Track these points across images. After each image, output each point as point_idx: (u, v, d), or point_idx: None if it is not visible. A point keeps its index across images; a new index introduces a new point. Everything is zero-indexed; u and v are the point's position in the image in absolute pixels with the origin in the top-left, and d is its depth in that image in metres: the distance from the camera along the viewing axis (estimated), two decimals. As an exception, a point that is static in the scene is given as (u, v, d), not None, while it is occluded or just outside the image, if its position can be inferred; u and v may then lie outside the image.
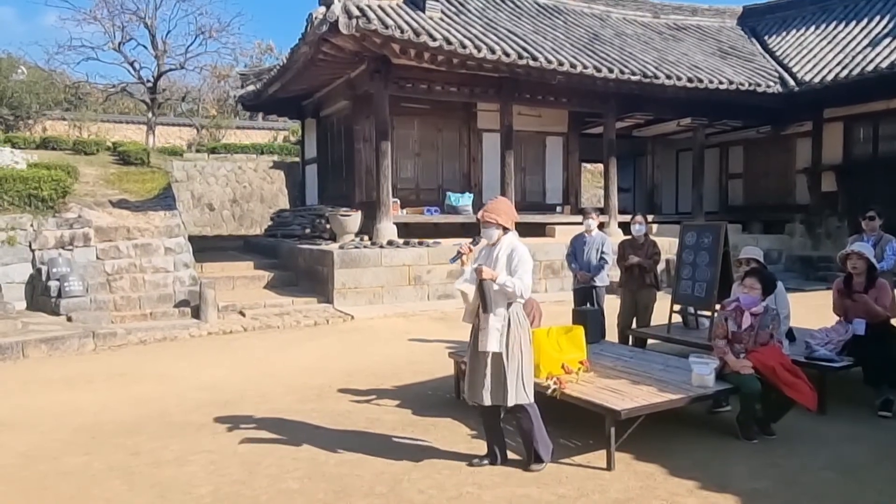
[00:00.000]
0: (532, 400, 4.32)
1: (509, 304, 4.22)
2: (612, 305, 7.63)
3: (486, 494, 4.00)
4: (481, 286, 4.11)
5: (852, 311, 5.77)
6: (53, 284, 9.60)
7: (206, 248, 14.21)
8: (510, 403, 4.23)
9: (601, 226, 10.88)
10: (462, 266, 4.28)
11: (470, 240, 4.40)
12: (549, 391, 4.76)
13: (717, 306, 6.24)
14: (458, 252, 4.27)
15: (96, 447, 4.95)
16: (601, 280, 7.58)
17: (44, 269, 9.92)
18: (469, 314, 4.38)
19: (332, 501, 3.96)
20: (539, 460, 4.35)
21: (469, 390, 4.39)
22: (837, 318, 6.00)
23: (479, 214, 4.36)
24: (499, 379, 4.23)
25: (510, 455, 4.53)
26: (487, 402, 4.26)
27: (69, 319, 9.20)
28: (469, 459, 4.49)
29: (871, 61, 13.50)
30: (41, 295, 9.86)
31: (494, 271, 4.12)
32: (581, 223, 7.87)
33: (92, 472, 4.50)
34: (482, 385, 4.25)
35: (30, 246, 10.36)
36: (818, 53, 15.38)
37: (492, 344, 4.17)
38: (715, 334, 5.26)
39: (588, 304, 7.33)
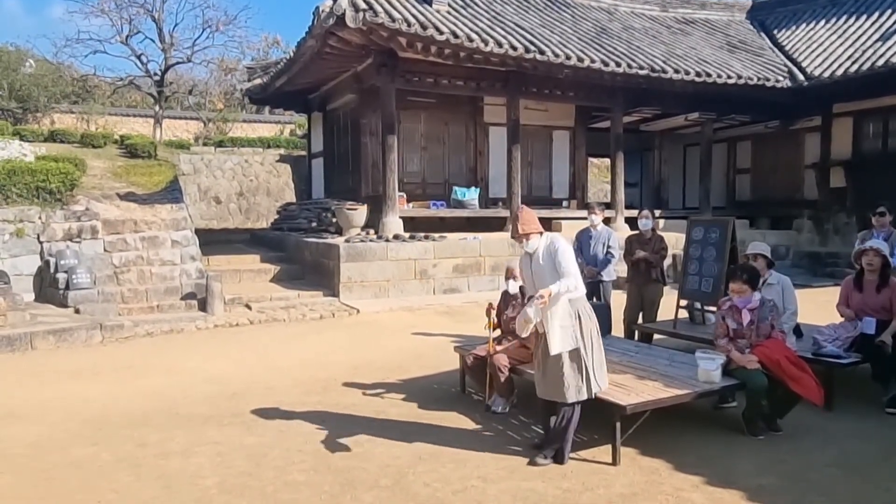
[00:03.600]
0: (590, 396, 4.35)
1: (571, 300, 4.27)
2: (618, 300, 7.62)
3: (490, 488, 4.01)
4: (545, 315, 4.19)
5: (861, 308, 5.72)
6: (61, 276, 9.66)
7: (213, 241, 14.23)
8: (594, 393, 4.30)
9: (608, 221, 10.87)
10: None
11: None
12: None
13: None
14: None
15: (104, 438, 4.98)
16: (607, 275, 7.58)
17: (52, 261, 9.98)
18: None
19: (338, 494, 3.98)
20: (559, 458, 4.32)
21: (548, 389, 4.34)
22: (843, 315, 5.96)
23: (520, 231, 4.35)
24: (581, 373, 4.26)
25: (514, 447, 4.55)
26: (573, 398, 4.26)
27: (77, 311, 9.25)
28: (475, 451, 4.48)
29: (882, 56, 13.36)
30: (49, 287, 9.93)
31: (545, 292, 4.08)
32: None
33: (99, 463, 4.53)
34: (564, 384, 4.24)
35: (38, 238, 10.40)
36: (828, 48, 15.23)
37: (560, 344, 4.20)
38: (716, 334, 5.22)
39: (594, 299, 7.32)
